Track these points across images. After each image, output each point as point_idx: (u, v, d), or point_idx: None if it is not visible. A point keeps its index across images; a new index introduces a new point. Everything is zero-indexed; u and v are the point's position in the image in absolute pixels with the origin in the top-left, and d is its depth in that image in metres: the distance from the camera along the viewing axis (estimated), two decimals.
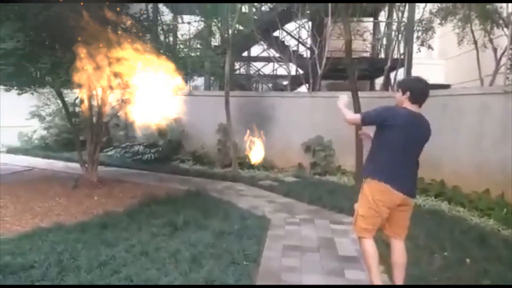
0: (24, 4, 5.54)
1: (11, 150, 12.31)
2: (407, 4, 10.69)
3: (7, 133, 12.67)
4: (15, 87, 7.76)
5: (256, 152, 7.94)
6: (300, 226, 5.39)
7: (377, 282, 3.09)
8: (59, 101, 9.29)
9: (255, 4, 11.81)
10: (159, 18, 11.15)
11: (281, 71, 13.51)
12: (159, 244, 4.27)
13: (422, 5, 11.25)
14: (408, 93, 3.07)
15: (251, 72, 15.45)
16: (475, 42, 9.78)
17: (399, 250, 3.18)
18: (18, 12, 5.76)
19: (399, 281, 3.17)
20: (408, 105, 3.08)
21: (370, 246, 3.11)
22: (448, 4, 10.25)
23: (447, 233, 4.94)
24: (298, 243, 4.71)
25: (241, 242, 4.44)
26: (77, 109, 8.95)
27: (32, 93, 8.46)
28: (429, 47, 11.71)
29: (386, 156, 3.08)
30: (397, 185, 3.02)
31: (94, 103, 7.75)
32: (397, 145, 3.02)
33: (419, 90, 3.08)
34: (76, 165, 8.16)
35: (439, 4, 10.64)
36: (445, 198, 6.82)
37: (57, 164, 10.27)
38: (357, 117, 3.17)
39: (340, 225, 5.47)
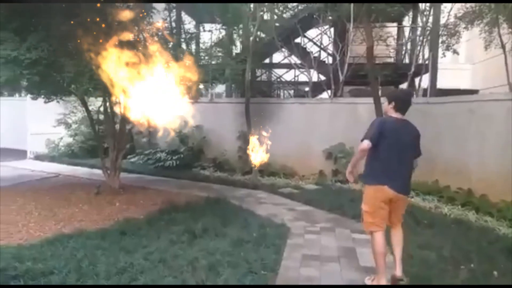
0: (48, 15, 5.71)
1: (39, 157, 12.68)
2: (432, 9, 10.47)
3: (35, 140, 13.05)
4: (42, 96, 7.99)
5: (257, 154, 7.94)
6: (320, 235, 5.29)
7: (381, 275, 3.50)
8: (84, 109, 9.54)
9: (276, 11, 11.82)
10: (181, 26, 11.33)
11: (303, 77, 13.44)
12: (177, 252, 4.27)
13: (447, 9, 11.00)
14: (393, 103, 3.61)
15: (273, 78, 15.45)
16: (503, 47, 9.46)
17: (396, 233, 3.70)
18: (42, 23, 5.94)
19: (398, 256, 3.62)
20: (392, 113, 3.61)
21: (378, 239, 3.51)
22: (474, 8, 9.98)
23: (473, 244, 4.75)
24: (318, 252, 4.62)
25: (259, 250, 4.39)
26: (101, 116, 9.14)
27: (58, 101, 8.70)
28: (455, 51, 11.40)
29: (380, 161, 3.52)
30: (392, 185, 3.49)
31: (117, 110, 7.90)
32: (388, 150, 3.48)
33: (402, 100, 3.64)
34: (100, 172, 8.31)
35: (465, 8, 10.38)
36: (472, 207, 6.56)
37: (82, 171, 10.49)
38: (366, 142, 3.44)
39: (361, 234, 5.31)
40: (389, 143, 3.46)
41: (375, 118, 3.77)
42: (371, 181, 3.60)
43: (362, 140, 3.48)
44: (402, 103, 3.60)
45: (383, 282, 3.53)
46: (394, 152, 3.48)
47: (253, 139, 8.66)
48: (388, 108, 3.66)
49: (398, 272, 3.59)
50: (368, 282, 3.74)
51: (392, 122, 3.55)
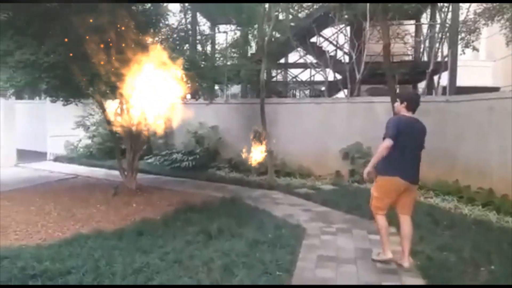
0: (65, 19, 5.80)
1: (58, 158, 12.91)
2: (450, 5, 10.25)
3: (55, 142, 13.30)
4: (61, 99, 8.12)
5: (256, 153, 7.86)
6: (337, 236, 5.23)
7: (386, 248, 4.10)
8: (101, 111, 9.64)
9: (291, 10, 11.76)
10: (197, 28, 11.37)
11: (319, 77, 13.34)
12: (192, 252, 4.28)
13: (466, 5, 10.76)
14: (405, 103, 4.08)
15: (288, 78, 15.38)
16: None
17: (406, 223, 4.09)
18: (59, 27, 6.05)
19: (406, 248, 4.04)
20: (404, 112, 4.08)
21: (382, 221, 4.11)
22: (494, 4, 9.74)
23: (494, 245, 4.62)
24: (334, 253, 4.56)
25: (274, 251, 4.36)
26: (118, 118, 9.24)
27: (76, 104, 8.82)
28: (474, 48, 11.15)
29: (395, 155, 3.90)
30: (404, 175, 3.95)
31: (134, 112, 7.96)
32: (403, 145, 3.90)
33: (413, 100, 4.11)
34: (117, 173, 8.41)
35: (484, 4, 10.14)
36: (493, 207, 6.39)
37: (100, 172, 10.64)
38: (388, 141, 3.88)
39: (379, 235, 5.24)
40: (404, 139, 3.89)
41: (390, 118, 4.18)
42: (386, 173, 4.02)
43: (384, 139, 3.92)
44: (414, 103, 4.08)
45: (389, 255, 4.09)
46: (408, 147, 3.93)
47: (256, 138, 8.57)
48: (400, 108, 4.12)
49: (405, 262, 4.01)
50: (375, 257, 4.25)
51: (406, 120, 4.01)
